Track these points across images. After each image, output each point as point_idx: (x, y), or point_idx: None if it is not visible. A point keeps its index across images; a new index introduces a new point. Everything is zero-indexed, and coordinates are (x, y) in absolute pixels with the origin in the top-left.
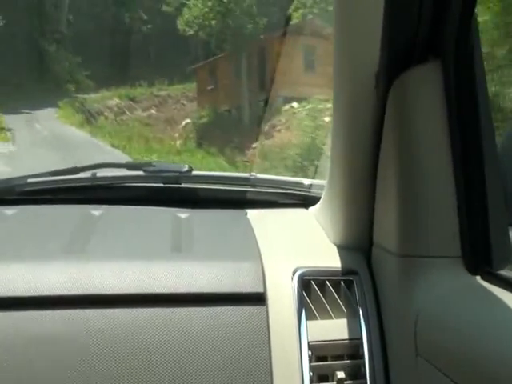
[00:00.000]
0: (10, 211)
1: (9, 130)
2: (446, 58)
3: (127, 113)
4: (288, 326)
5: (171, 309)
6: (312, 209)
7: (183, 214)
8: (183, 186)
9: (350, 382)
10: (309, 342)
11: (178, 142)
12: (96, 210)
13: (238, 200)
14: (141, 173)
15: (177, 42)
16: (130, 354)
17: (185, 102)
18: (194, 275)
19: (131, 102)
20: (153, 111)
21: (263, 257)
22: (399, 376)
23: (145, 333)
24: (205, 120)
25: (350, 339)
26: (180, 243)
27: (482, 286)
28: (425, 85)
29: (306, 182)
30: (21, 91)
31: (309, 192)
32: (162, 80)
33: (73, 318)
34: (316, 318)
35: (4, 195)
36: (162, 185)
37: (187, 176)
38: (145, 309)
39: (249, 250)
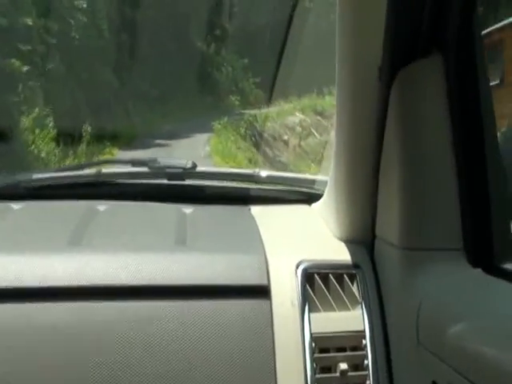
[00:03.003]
0: (16, 206)
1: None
2: (448, 51)
3: (315, 133)
4: (291, 318)
5: (175, 301)
6: (315, 205)
7: (187, 209)
8: (187, 182)
9: (352, 373)
10: (312, 334)
11: None
12: (101, 206)
13: (241, 196)
14: (145, 169)
15: None
16: (132, 345)
17: None
18: (198, 267)
19: (319, 117)
20: None
21: (267, 251)
22: (401, 366)
23: (148, 325)
24: None
25: (352, 331)
26: (185, 237)
27: (483, 279)
28: (427, 78)
29: (309, 178)
30: (162, 110)
31: (312, 189)
32: None
33: (78, 309)
34: (319, 311)
35: (10, 190)
36: (166, 181)
37: (191, 172)
38: (149, 301)
39: (253, 244)
